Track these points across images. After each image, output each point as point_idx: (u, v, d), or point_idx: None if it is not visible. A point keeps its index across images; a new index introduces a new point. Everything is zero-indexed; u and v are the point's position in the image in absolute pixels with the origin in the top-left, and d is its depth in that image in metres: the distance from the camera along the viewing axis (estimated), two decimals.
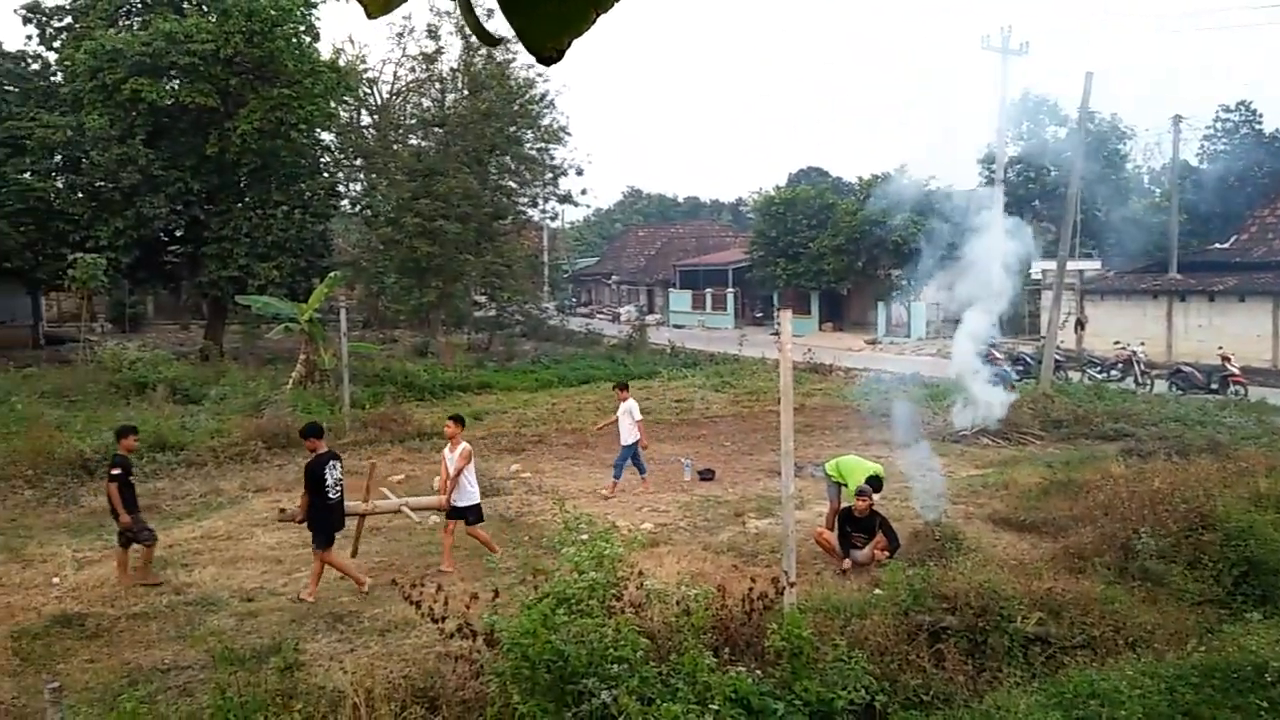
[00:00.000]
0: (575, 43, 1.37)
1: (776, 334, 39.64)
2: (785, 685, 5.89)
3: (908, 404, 17.59)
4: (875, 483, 10.57)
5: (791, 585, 7.28)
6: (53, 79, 30.55)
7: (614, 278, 65.98)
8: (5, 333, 32.86)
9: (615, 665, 5.42)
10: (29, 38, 30.82)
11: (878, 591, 8.27)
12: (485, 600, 6.82)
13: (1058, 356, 23.64)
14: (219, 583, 9.96)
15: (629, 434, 13.92)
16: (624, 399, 14.16)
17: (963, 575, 7.72)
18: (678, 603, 6.44)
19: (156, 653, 7.98)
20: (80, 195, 28.44)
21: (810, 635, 6.32)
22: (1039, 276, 31.94)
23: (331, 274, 26.43)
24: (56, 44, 30.12)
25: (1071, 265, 26.87)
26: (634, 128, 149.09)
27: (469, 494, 10.54)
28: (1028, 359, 26.15)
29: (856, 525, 10.16)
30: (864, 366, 28.53)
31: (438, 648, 7.20)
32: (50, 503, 13.37)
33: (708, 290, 52.19)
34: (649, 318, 48.95)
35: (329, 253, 33.05)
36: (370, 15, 1.43)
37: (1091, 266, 33.57)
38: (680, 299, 54.07)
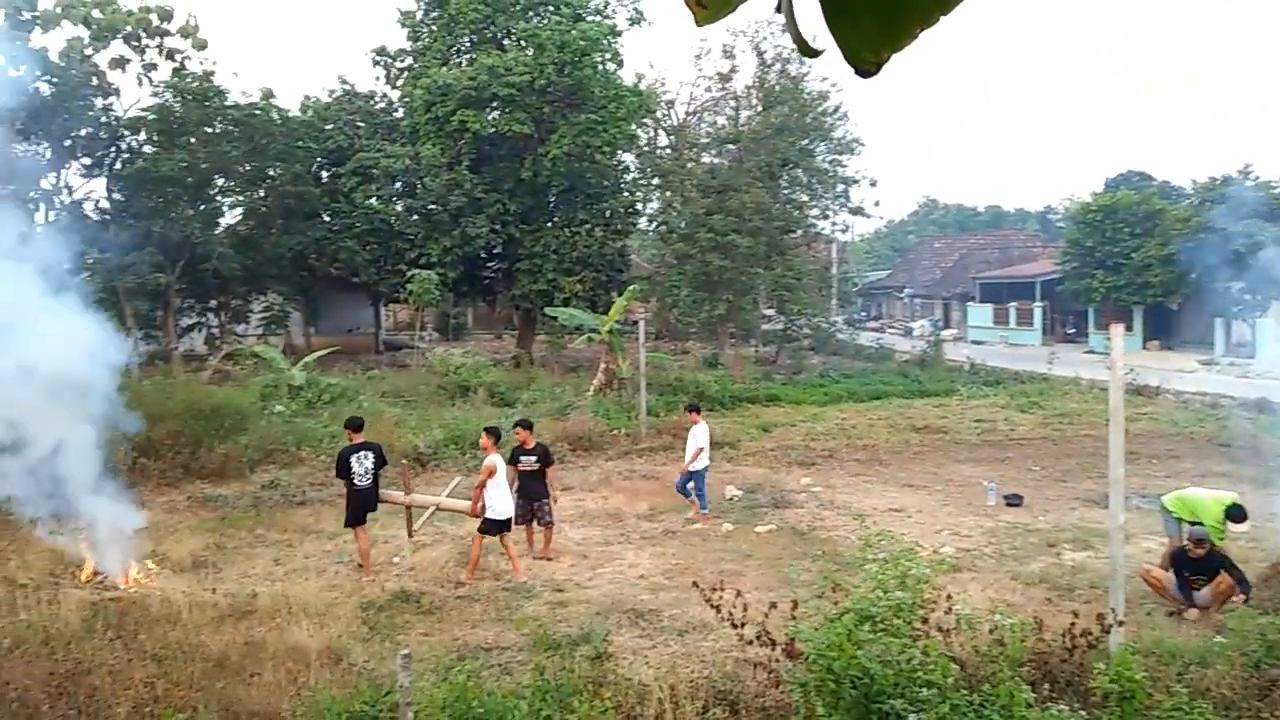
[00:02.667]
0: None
1: (1092, 351, 36.33)
2: None
3: (1258, 433, 15.55)
4: (1237, 513, 9.43)
5: (1119, 624, 6.65)
6: (394, 115, 34.41)
7: (906, 291, 63.82)
8: (354, 339, 37.30)
9: (924, 689, 5.21)
10: (377, 79, 35.03)
11: (1220, 639, 7.37)
12: (783, 610, 6.81)
13: None
14: (531, 573, 10.70)
15: (697, 459, 13.26)
16: (695, 422, 13.53)
17: None
18: (990, 631, 6.08)
19: (480, 632, 8.71)
20: (415, 217, 31.80)
21: (1143, 679, 5.73)
22: None
23: (630, 288, 27.71)
24: (399, 83, 33.92)
25: None
26: (931, 135, 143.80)
27: (493, 508, 10.48)
28: None
29: (1194, 567, 9.10)
30: (1197, 390, 25.55)
31: (735, 653, 7.28)
32: (391, 490, 14.96)
33: (1011, 304, 49.06)
34: (945, 333, 46.80)
35: (627, 268, 34.68)
36: (699, 23, 1.47)
37: None
38: (980, 313, 51.25)
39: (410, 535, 11.67)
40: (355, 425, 11.21)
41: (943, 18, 1.29)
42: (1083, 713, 5.40)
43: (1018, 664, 5.73)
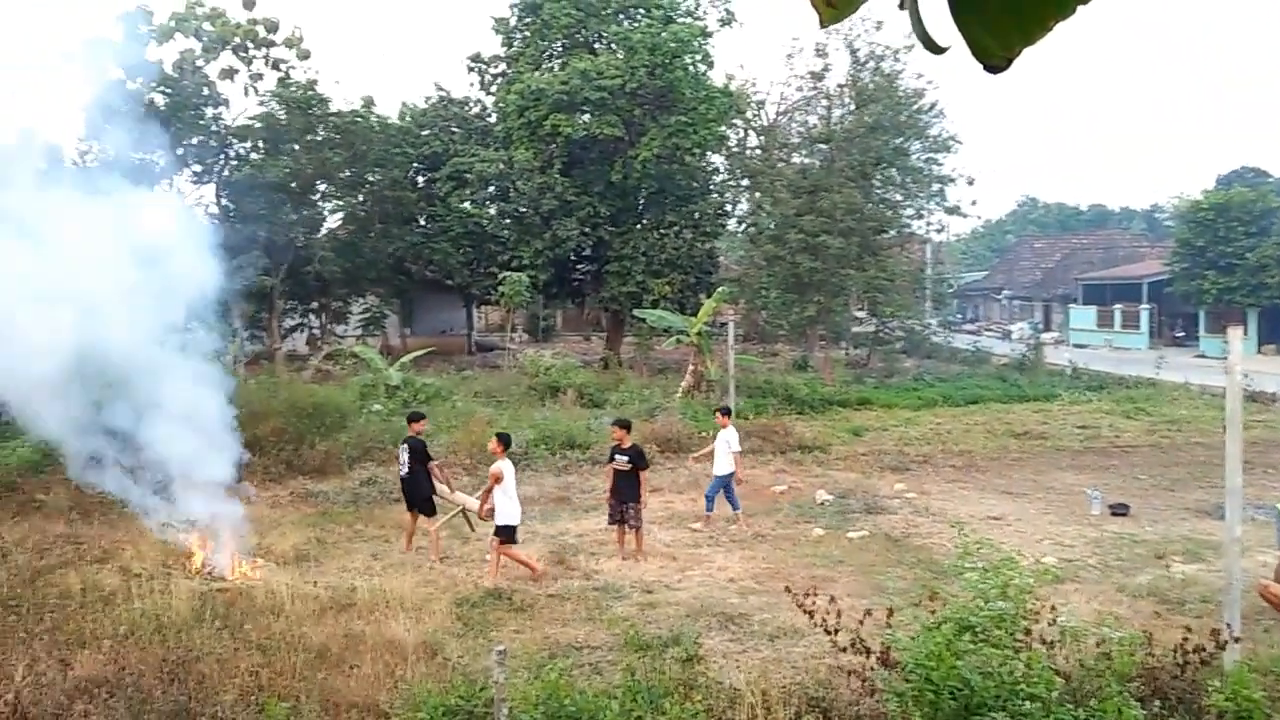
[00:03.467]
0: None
1: (1203, 356, 34.78)
2: None
3: None
4: None
5: (1235, 640, 6.33)
6: (488, 120, 35.03)
7: (1005, 292, 62.06)
8: (447, 340, 38.06)
9: (1026, 702, 5.04)
10: (471, 85, 35.67)
11: None
12: (878, 618, 6.67)
13: None
14: (620, 573, 10.73)
15: (725, 464, 12.82)
16: (724, 425, 13.04)
17: None
18: (1097, 644, 5.85)
19: (570, 630, 8.77)
20: (508, 220, 32.32)
21: (1261, 698, 5.45)
22: None
23: (719, 290, 27.61)
24: (493, 89, 34.51)
25: None
26: (1032, 131, 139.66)
27: (503, 513, 10.40)
28: None
29: None
30: None
31: (828, 660, 7.17)
32: (483, 488, 15.20)
33: (1116, 306, 47.27)
34: (1045, 335, 45.34)
35: (715, 269, 34.57)
36: (823, 24, 1.45)
37: None
38: (1083, 315, 49.51)
39: (470, 528, 12.06)
40: (411, 418, 12.45)
41: (1081, 7, 1.25)
42: None
43: (1126, 679, 5.50)
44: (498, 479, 10.44)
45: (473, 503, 11.54)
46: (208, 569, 10.36)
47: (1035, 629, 5.88)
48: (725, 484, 12.93)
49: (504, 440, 10.97)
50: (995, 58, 1.34)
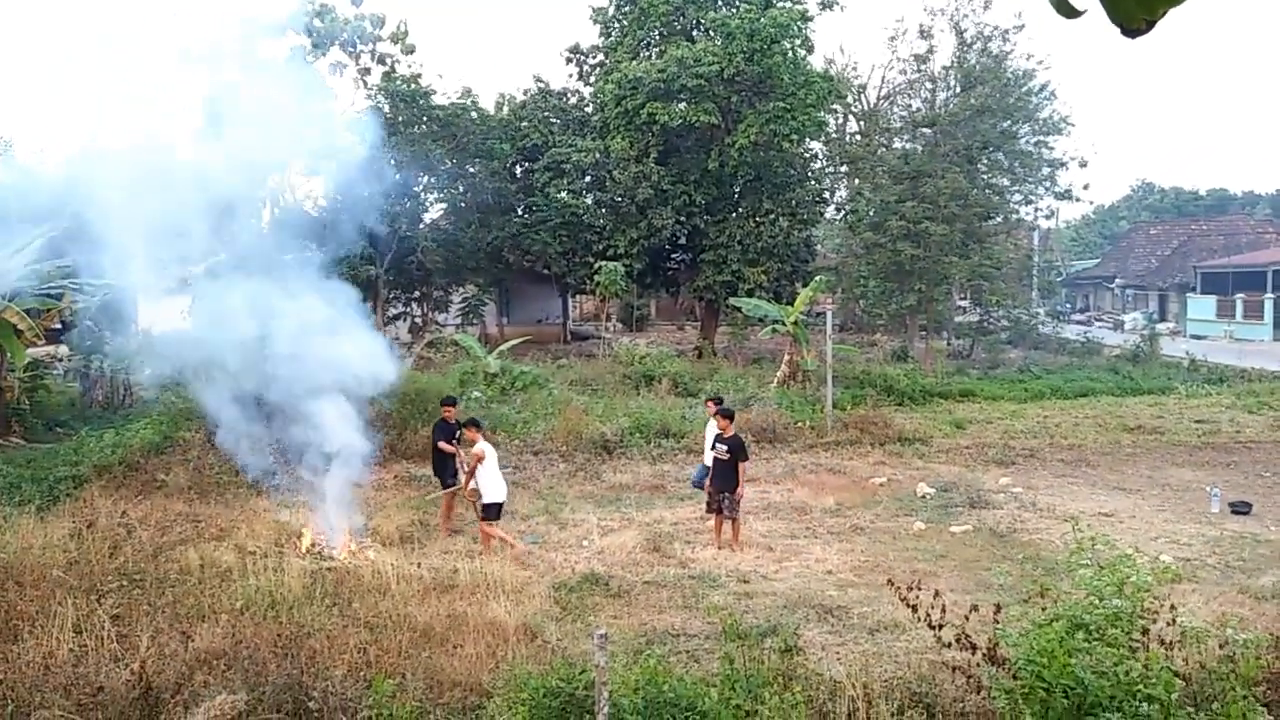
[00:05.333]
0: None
1: None
2: None
3: None
4: None
5: None
6: (585, 110, 35.24)
7: (1117, 281, 59.52)
8: (543, 329, 38.52)
9: (1144, 704, 4.84)
10: (570, 76, 35.93)
11: None
12: (984, 614, 6.49)
13: None
14: (717, 562, 10.72)
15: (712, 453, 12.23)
16: (714, 414, 12.39)
17: None
18: (1220, 646, 5.58)
19: (667, 618, 8.80)
20: (603, 210, 32.46)
21: None
22: None
23: (816, 278, 27.22)
24: (591, 79, 34.70)
25: None
26: (1149, 113, 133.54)
27: (488, 492, 10.81)
28: None
29: None
30: None
31: (930, 655, 7.01)
32: (579, 475, 15.39)
33: (1238, 295, 44.86)
34: (1160, 326, 43.31)
35: (812, 258, 34.08)
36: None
37: None
38: (1201, 305, 47.15)
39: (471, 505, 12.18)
40: (443, 402, 13.16)
41: None
42: None
43: (1252, 683, 5.22)
44: (480, 459, 10.92)
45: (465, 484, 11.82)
46: (317, 548, 10.73)
47: (1153, 629, 5.64)
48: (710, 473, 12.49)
49: (476, 424, 11.51)
50: (1137, 21, 1.27)
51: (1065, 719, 4.95)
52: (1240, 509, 12.88)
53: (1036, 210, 34.77)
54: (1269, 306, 43.10)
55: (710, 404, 13.17)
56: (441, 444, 12.41)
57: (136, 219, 10.56)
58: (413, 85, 30.24)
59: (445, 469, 12.40)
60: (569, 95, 36.01)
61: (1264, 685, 5.53)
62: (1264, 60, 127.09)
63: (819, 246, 38.03)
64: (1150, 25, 1.30)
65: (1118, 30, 1.34)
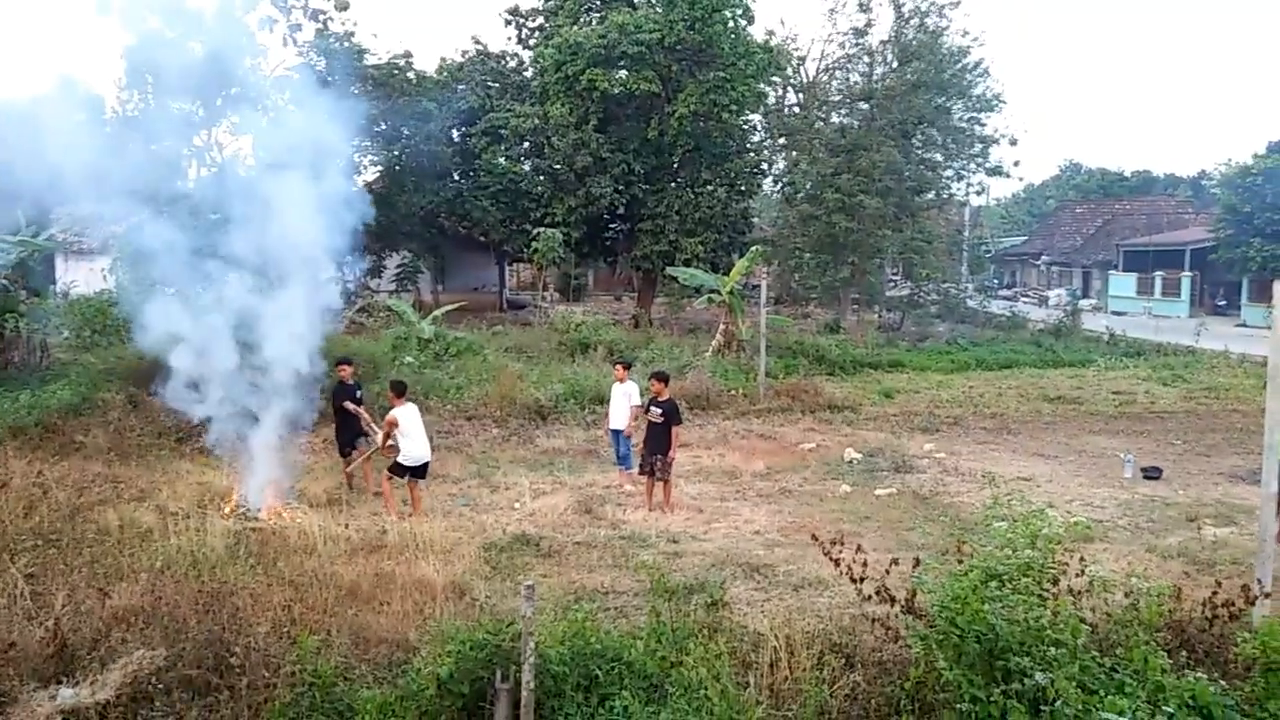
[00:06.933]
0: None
1: (1244, 325, 34.03)
2: (1256, 702, 5.10)
3: None
4: None
5: (1266, 596, 6.27)
6: (525, 74, 34.79)
7: (1043, 258, 61.04)
8: (479, 297, 38.14)
9: (1052, 648, 5.03)
10: (509, 39, 35.43)
11: None
12: (904, 570, 6.67)
13: None
14: (647, 523, 10.81)
15: (620, 418, 12.61)
16: (622, 379, 12.78)
17: None
18: (1126, 595, 5.82)
19: (597, 576, 8.86)
20: (542, 177, 32.17)
21: None
22: None
23: (752, 249, 27.40)
24: (530, 43, 34.23)
25: None
26: (1076, 95, 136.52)
27: (405, 454, 10.83)
28: None
29: None
30: None
31: (852, 609, 7.18)
32: (512, 440, 15.36)
33: (1158, 273, 46.38)
34: (1083, 302, 44.53)
35: (749, 229, 34.26)
36: None
37: None
38: (1123, 282, 48.64)
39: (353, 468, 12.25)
40: (341, 362, 12.72)
41: None
42: (1221, 682, 5.12)
43: (1154, 630, 5.47)
44: (393, 424, 10.87)
45: (379, 441, 11.74)
46: (242, 510, 10.55)
47: (1063, 580, 5.85)
48: (622, 437, 12.82)
49: (396, 388, 11.43)
50: None
51: (977, 663, 5.12)
52: (1151, 474, 13.39)
53: (968, 186, 35.39)
54: (1186, 284, 44.65)
55: (619, 367, 13.25)
56: (347, 404, 12.12)
57: (52, 173, 10.17)
58: (346, 43, 29.50)
59: (347, 430, 12.21)
60: (508, 59, 35.53)
61: (1165, 631, 5.79)
62: (1188, 46, 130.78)
63: (756, 218, 38.22)
64: None
65: None
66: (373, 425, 12.26)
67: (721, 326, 24.26)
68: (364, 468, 12.24)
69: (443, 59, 35.17)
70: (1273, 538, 6.68)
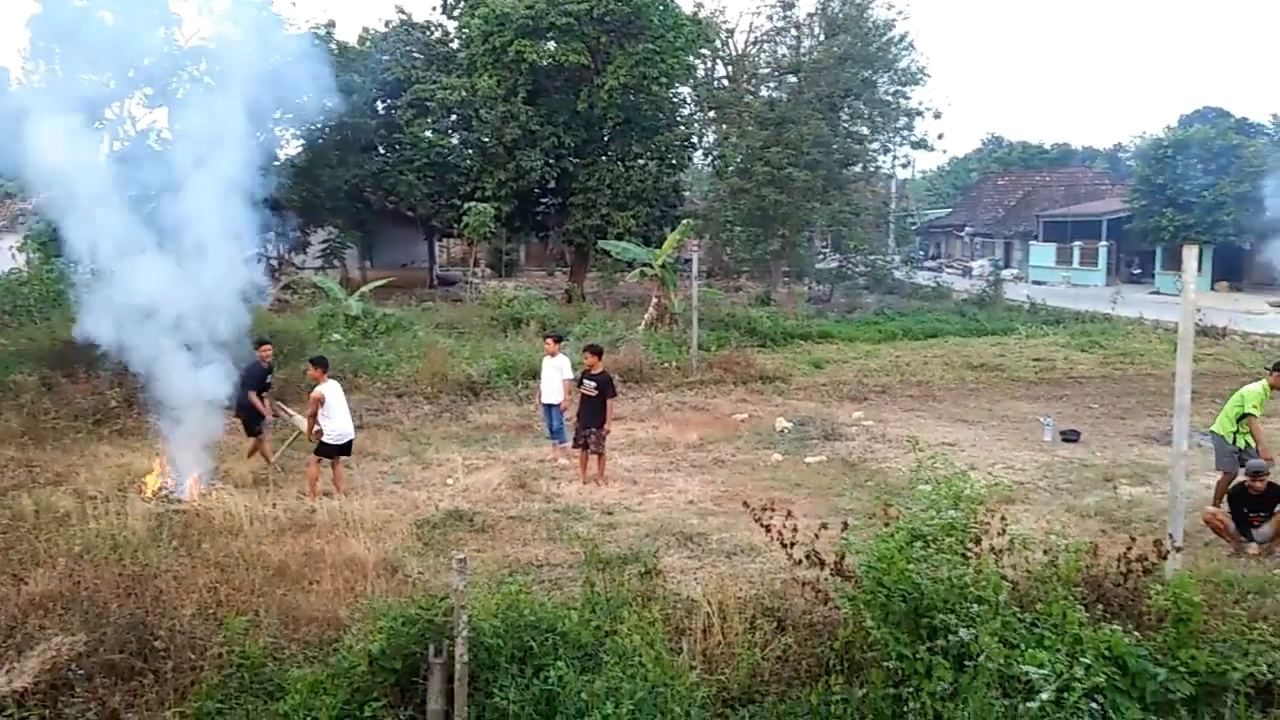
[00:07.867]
0: None
1: (1158, 293, 35.25)
2: (1167, 651, 5.32)
3: None
4: None
5: (1177, 550, 6.54)
6: (451, 45, 34.16)
7: (967, 230, 62.31)
8: (408, 273, 37.56)
9: (975, 605, 5.19)
10: (434, 8, 34.68)
11: None
12: (833, 534, 6.79)
13: None
14: (582, 497, 10.82)
15: (553, 392, 12.56)
16: (553, 352, 12.72)
17: None
18: (1045, 552, 6.01)
19: (531, 550, 8.85)
20: (470, 150, 31.73)
21: (1200, 602, 5.65)
22: None
23: (683, 223, 27.44)
24: (456, 12, 33.58)
25: None
26: (998, 70, 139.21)
27: (330, 433, 10.64)
28: None
29: (1254, 504, 8.95)
30: (1267, 332, 24.77)
31: (783, 574, 7.29)
32: (444, 416, 15.21)
33: (1076, 243, 47.70)
34: (1005, 272, 45.62)
35: (681, 203, 34.30)
36: None
37: None
38: (1043, 253, 49.93)
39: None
40: (261, 342, 12.26)
41: None
42: (1136, 634, 5.33)
43: (1071, 585, 5.67)
44: (319, 402, 10.62)
45: (303, 423, 11.49)
46: (164, 491, 10.27)
47: (985, 539, 6.02)
48: (556, 412, 12.70)
49: (319, 363, 11.09)
50: None
51: (903, 622, 5.25)
52: (1070, 437, 13.85)
53: (894, 159, 35.98)
54: (1103, 253, 46.03)
55: (550, 341, 13.09)
56: (251, 395, 11.57)
57: None
58: (263, 12, 28.56)
59: (252, 416, 11.73)
60: (433, 29, 34.84)
61: (1083, 586, 5.99)
62: (1106, 21, 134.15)
63: (687, 192, 38.27)
64: None
65: None
66: (285, 410, 11.97)
67: (654, 300, 24.30)
68: (265, 448, 11.93)
69: (365, 29, 34.31)
70: (1184, 495, 6.94)
